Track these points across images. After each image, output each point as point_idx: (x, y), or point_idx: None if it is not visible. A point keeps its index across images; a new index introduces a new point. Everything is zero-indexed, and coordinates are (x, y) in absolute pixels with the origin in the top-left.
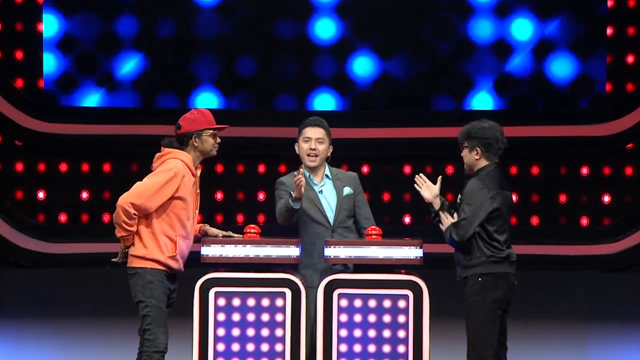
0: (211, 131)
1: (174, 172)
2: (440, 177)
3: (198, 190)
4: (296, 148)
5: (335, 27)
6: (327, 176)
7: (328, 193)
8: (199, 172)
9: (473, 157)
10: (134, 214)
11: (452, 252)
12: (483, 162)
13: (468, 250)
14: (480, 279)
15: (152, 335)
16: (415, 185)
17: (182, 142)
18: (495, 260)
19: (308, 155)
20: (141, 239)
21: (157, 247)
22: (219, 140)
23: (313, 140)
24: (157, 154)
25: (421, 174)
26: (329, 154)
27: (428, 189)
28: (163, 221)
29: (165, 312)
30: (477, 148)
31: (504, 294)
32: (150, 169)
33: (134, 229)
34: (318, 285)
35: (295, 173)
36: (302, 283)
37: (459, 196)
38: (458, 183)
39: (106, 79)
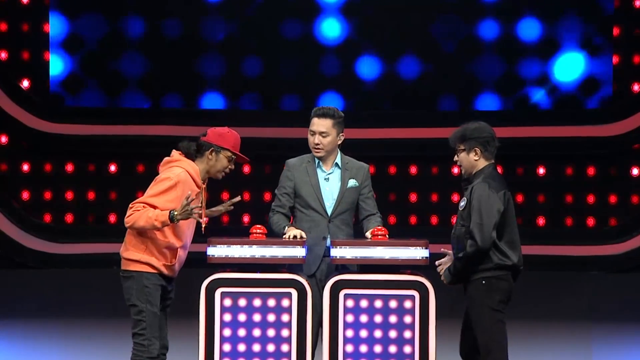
0: (230, 154)
1: (174, 180)
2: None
3: (204, 204)
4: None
5: (341, 28)
6: (337, 164)
7: (333, 183)
8: (204, 185)
9: (472, 159)
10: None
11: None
12: (482, 163)
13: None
14: (484, 282)
15: (146, 341)
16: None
17: (199, 149)
18: (501, 266)
19: (313, 148)
20: (136, 242)
21: (153, 252)
22: (232, 167)
23: (317, 135)
24: (166, 158)
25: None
26: (339, 142)
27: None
28: (163, 230)
29: (159, 316)
30: (476, 148)
31: (507, 295)
32: (157, 170)
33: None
34: (313, 273)
35: (289, 235)
36: (308, 282)
37: (462, 202)
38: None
39: (112, 79)
